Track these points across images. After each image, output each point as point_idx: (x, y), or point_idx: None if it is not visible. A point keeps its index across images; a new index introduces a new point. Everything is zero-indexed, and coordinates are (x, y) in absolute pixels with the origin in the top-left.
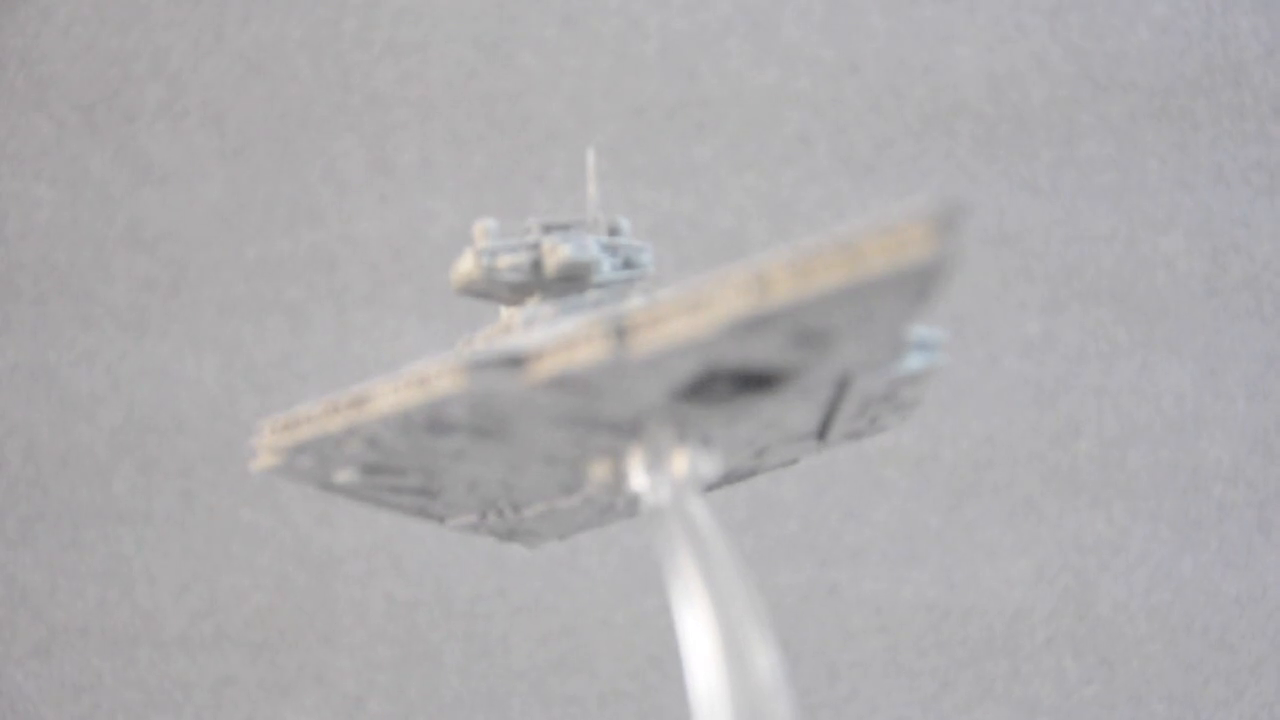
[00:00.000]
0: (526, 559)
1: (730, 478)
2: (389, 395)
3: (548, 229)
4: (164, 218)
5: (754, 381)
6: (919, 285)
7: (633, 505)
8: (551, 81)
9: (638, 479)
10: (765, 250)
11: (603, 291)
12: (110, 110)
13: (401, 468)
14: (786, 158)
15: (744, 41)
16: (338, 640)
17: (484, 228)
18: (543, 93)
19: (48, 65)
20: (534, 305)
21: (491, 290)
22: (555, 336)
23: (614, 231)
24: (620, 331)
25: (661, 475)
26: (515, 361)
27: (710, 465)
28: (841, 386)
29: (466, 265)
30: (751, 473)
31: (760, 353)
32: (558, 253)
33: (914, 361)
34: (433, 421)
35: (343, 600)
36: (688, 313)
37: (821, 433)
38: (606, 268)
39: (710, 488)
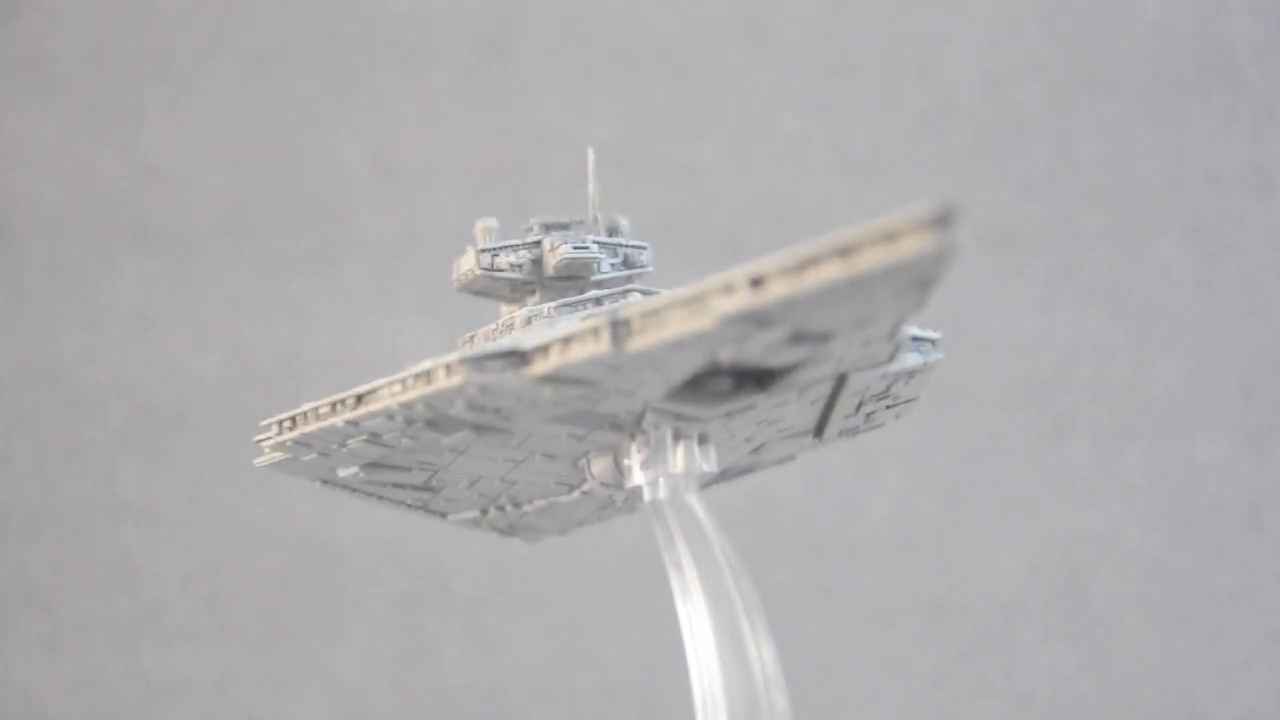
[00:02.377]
0: (527, 554)
1: (728, 474)
2: (392, 392)
3: (548, 228)
4: (169, 216)
5: (752, 379)
6: (914, 283)
7: (632, 501)
8: (552, 81)
9: (637, 475)
10: (763, 250)
11: (602, 290)
12: (116, 110)
13: (404, 464)
14: (784, 157)
15: (742, 42)
16: (340, 634)
17: (485, 227)
18: (543, 92)
19: (54, 64)
20: (534, 303)
21: (492, 288)
22: (556, 333)
23: (613, 231)
24: (620, 328)
25: (660, 471)
26: (516, 358)
27: (708, 461)
28: (838, 384)
29: (468, 263)
30: (749, 469)
31: (757, 350)
32: (558, 251)
33: (910, 359)
34: (435, 418)
35: (345, 595)
36: (686, 310)
37: (818, 430)
38: (606, 266)
39: (708, 483)
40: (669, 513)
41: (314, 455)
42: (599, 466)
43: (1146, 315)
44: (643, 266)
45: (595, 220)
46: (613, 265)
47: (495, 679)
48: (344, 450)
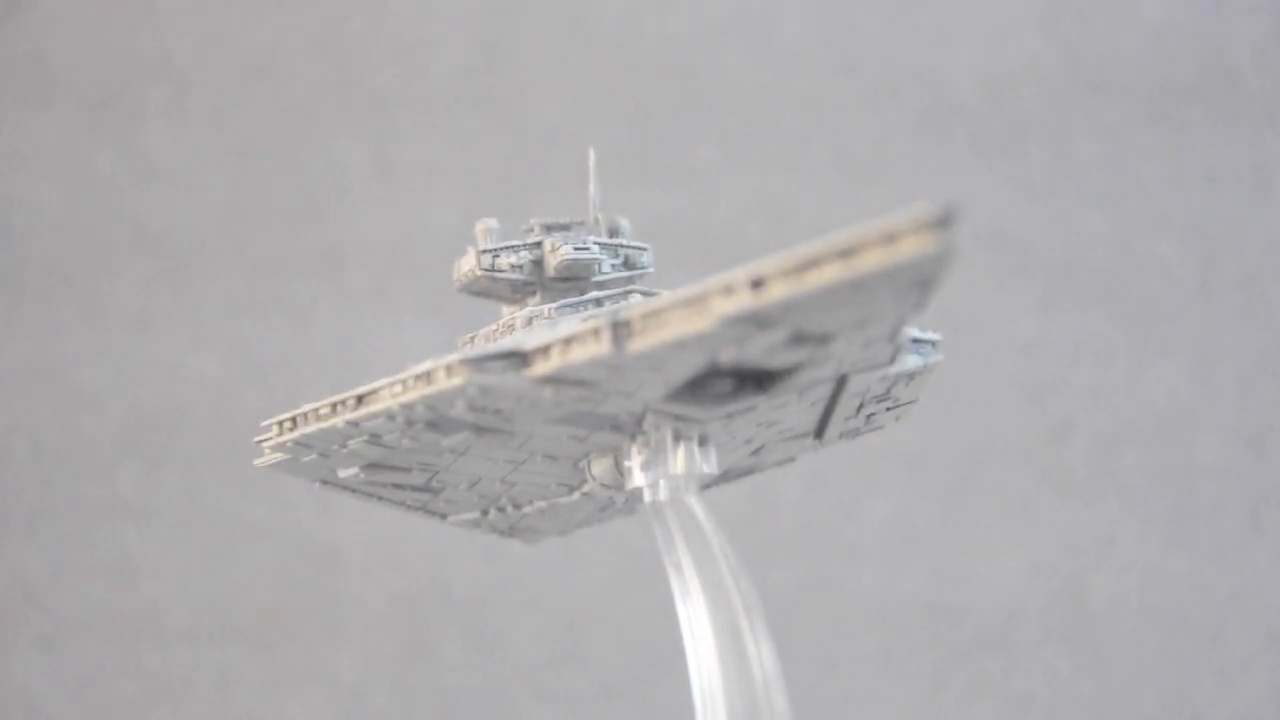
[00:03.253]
0: (526, 555)
1: (728, 475)
2: (392, 393)
3: (549, 229)
4: (168, 216)
5: (752, 380)
6: (914, 284)
7: (632, 502)
8: (552, 81)
9: (637, 476)
10: (764, 251)
11: (603, 291)
12: (115, 110)
13: (404, 465)
14: (784, 158)
15: (742, 42)
16: (339, 634)
17: (486, 227)
18: (543, 93)
19: (54, 65)
20: (535, 304)
21: (493, 289)
22: (556, 334)
23: (614, 231)
24: (620, 329)
25: (660, 472)
26: (517, 358)
27: (708, 463)
28: (838, 386)
29: (468, 264)
30: (749, 470)
31: (758, 351)
32: (559, 252)
33: (910, 361)
34: (435, 419)
35: (344, 595)
36: (686, 311)
37: (818, 431)
38: (607, 267)
39: (708, 485)
40: (669, 514)
41: (314, 456)
42: (599, 468)
43: (1146, 315)
44: (643, 267)
45: (596, 221)
46: (613, 266)
47: (495, 679)
48: (344, 451)
